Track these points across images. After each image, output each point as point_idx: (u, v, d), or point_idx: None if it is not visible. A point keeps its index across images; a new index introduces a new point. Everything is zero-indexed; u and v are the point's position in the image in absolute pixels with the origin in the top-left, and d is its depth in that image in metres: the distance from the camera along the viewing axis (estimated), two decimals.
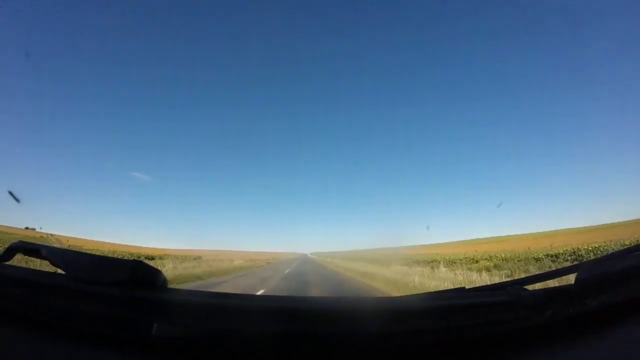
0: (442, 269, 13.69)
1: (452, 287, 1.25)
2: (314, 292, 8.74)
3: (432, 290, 1.11)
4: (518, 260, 22.47)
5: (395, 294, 7.99)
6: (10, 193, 1.90)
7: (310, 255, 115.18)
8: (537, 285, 0.85)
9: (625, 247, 0.94)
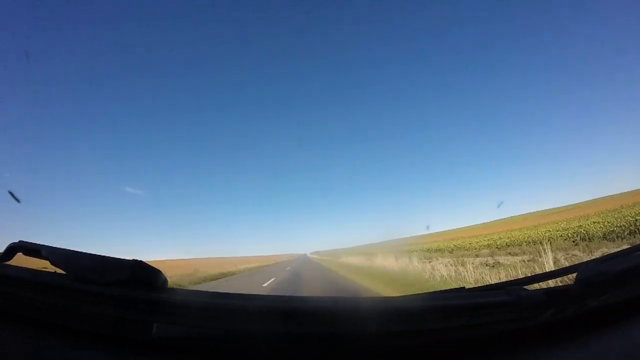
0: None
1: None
2: None
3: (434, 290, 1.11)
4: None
5: None
6: (11, 193, 1.90)
7: (310, 255, 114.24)
8: (537, 285, 0.85)
9: (626, 247, 0.94)
